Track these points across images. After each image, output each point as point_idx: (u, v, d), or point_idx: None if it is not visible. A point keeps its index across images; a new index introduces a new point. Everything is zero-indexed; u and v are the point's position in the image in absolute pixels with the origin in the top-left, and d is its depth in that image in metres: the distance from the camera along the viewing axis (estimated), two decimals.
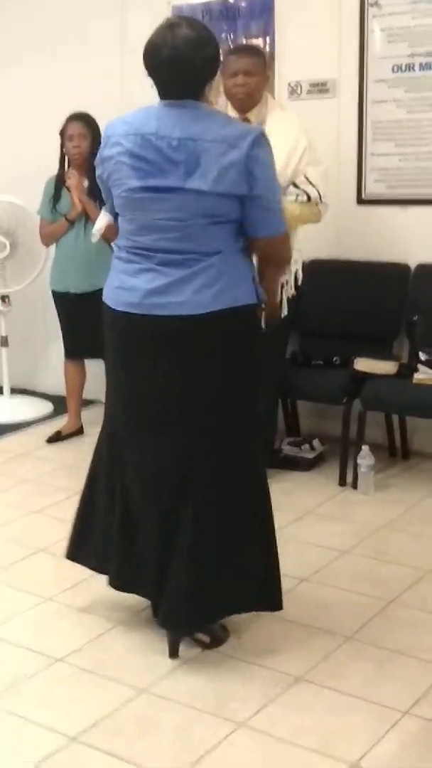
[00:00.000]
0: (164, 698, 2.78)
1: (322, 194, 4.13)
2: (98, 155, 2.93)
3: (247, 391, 2.93)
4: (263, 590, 3.00)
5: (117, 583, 3.11)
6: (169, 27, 2.75)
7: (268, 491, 3.03)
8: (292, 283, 4.22)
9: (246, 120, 4.15)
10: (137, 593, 3.12)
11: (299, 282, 4.27)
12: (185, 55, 2.71)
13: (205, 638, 3.05)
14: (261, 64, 4.18)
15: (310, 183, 4.11)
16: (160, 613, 2.99)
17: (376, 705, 2.72)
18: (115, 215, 2.97)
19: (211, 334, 2.80)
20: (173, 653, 3.00)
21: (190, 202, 2.72)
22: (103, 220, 3.10)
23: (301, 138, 4.11)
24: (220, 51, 2.88)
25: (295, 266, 4.23)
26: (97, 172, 2.98)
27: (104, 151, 2.89)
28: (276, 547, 3.03)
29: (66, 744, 2.59)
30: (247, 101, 4.11)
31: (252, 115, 4.15)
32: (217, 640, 3.05)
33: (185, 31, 2.73)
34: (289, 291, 4.23)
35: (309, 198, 4.11)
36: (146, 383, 2.89)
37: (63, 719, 2.69)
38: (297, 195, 4.10)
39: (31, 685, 2.88)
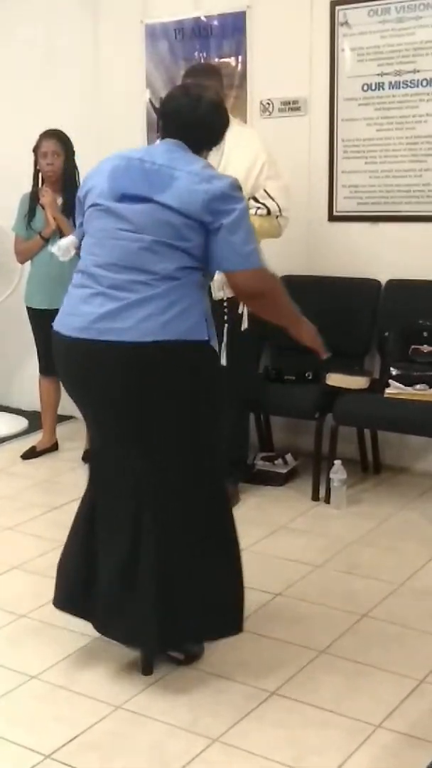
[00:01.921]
0: (139, 714, 2.80)
1: (282, 207, 4.17)
2: (84, 178, 3.06)
3: (195, 425, 2.87)
4: (226, 614, 3.01)
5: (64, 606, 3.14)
6: (195, 90, 3.05)
7: (231, 516, 3.02)
8: None
9: None
10: (88, 619, 3.10)
11: None
12: (200, 121, 2.94)
13: (179, 656, 3.06)
14: (218, 85, 4.23)
15: (270, 196, 4.15)
16: (125, 631, 2.98)
17: (349, 719, 2.74)
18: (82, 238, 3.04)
19: (156, 363, 2.75)
20: (146, 671, 3.01)
21: (154, 214, 2.78)
22: (68, 239, 3.15)
23: (260, 153, 4.15)
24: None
25: None
26: (79, 192, 3.07)
27: (88, 175, 3.03)
28: (241, 570, 3.03)
29: (40, 761, 2.59)
30: None
31: None
32: (191, 656, 3.07)
33: (208, 102, 2.97)
34: None
35: (268, 211, 4.15)
36: (98, 408, 2.91)
37: (37, 736, 2.70)
38: (256, 209, 4.14)
39: (6, 702, 2.88)
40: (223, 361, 4.22)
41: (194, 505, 2.92)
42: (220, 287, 4.17)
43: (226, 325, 4.20)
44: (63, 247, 3.23)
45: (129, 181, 2.85)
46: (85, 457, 4.88)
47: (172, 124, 2.95)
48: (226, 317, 4.19)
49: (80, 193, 3.04)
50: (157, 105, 3.93)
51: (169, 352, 2.75)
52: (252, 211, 4.11)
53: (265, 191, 4.14)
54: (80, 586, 3.06)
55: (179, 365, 2.78)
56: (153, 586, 2.87)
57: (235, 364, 4.24)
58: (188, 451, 2.88)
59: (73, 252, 3.22)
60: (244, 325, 4.24)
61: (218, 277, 4.05)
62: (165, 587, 2.88)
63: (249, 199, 4.12)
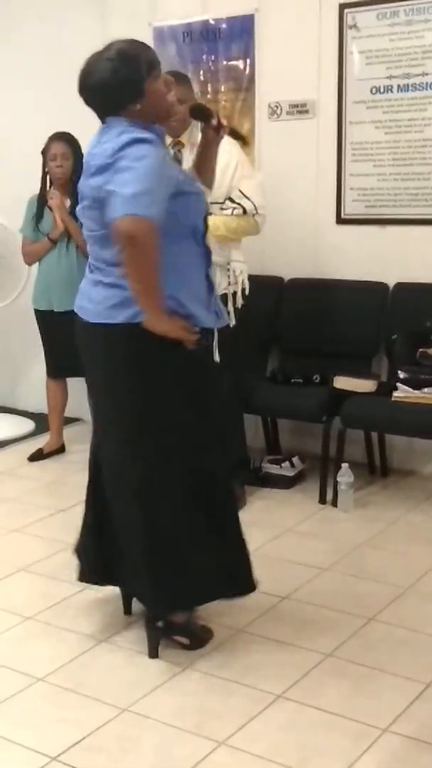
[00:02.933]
0: (145, 717, 2.79)
1: (257, 206, 4.19)
2: None
3: (134, 406, 2.96)
4: (232, 575, 3.10)
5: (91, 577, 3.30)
6: (93, 55, 2.92)
7: (222, 493, 3.11)
8: (240, 293, 4.27)
9: (179, 143, 4.20)
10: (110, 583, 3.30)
11: (246, 292, 4.31)
12: (97, 82, 2.89)
13: (184, 640, 3.10)
14: (189, 90, 4.23)
15: (245, 196, 4.17)
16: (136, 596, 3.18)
17: (356, 722, 2.74)
18: None
19: (104, 343, 2.93)
20: (153, 653, 3.06)
21: (90, 211, 2.91)
22: None
23: (233, 153, 4.15)
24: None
25: (241, 277, 4.28)
26: None
27: None
28: (242, 532, 3.12)
29: (47, 764, 2.59)
30: (181, 129, 4.15)
31: (184, 138, 4.20)
32: (198, 640, 3.11)
33: (104, 56, 2.88)
34: (238, 302, 4.28)
35: (244, 211, 4.17)
36: (89, 385, 3.15)
37: (44, 739, 2.70)
38: (233, 209, 4.15)
39: (12, 704, 2.88)
40: (217, 358, 4.22)
41: (175, 492, 2.99)
42: None
43: None
44: None
45: (84, 187, 2.95)
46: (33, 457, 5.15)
47: (89, 103, 2.96)
48: None
49: None
50: None
51: (115, 334, 2.89)
52: (228, 212, 4.16)
53: (240, 191, 4.17)
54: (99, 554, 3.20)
55: (122, 347, 2.91)
56: (145, 552, 3.01)
57: (222, 364, 4.23)
58: (158, 437, 2.97)
59: None
60: (232, 322, 4.24)
61: None
62: (158, 553, 3.01)
63: (225, 200, 4.15)
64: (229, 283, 4.24)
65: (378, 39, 4.59)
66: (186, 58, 5.10)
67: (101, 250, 2.93)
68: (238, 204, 4.16)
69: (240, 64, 4.95)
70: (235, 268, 4.25)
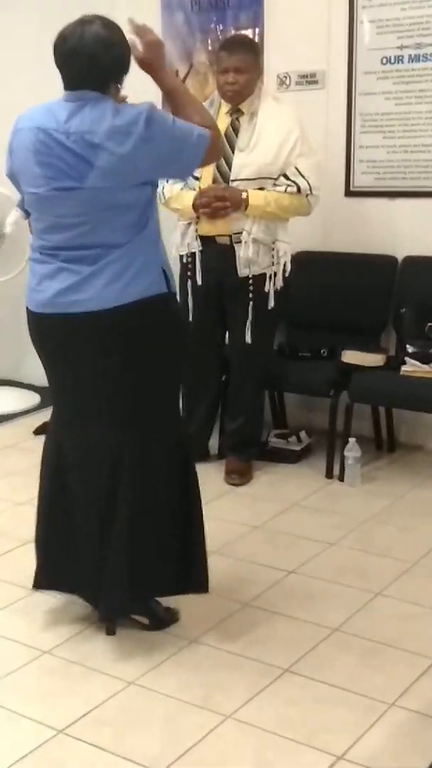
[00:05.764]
0: (151, 690, 2.79)
1: (312, 186, 4.12)
2: (7, 148, 2.95)
3: (165, 381, 2.96)
4: (190, 573, 3.05)
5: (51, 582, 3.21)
6: (80, 23, 2.85)
7: (195, 474, 3.08)
8: (280, 275, 4.23)
9: (238, 111, 4.15)
10: (74, 593, 3.18)
11: (287, 274, 4.27)
12: (91, 50, 2.78)
13: (143, 619, 3.09)
14: (253, 59, 4.16)
15: (301, 174, 4.10)
16: (100, 606, 3.05)
17: (363, 697, 2.73)
18: (27, 212, 3.00)
19: (121, 327, 2.82)
20: (110, 631, 3.07)
21: (92, 197, 2.76)
22: (14, 214, 3.12)
23: (293, 129, 4.10)
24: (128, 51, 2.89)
25: (284, 258, 4.23)
26: (5, 169, 2.98)
27: (12, 144, 2.93)
28: (203, 530, 3.07)
29: (53, 736, 2.59)
30: (237, 98, 4.11)
31: (244, 107, 4.15)
32: (158, 621, 3.08)
33: (96, 28, 2.81)
34: (278, 283, 4.24)
35: (299, 189, 4.10)
36: (69, 379, 2.96)
37: (50, 712, 2.70)
38: (287, 186, 4.09)
39: (19, 677, 2.88)
40: (248, 339, 4.21)
41: (162, 470, 2.96)
42: (245, 264, 4.14)
43: (251, 302, 4.17)
44: (11, 224, 3.18)
45: (56, 170, 2.77)
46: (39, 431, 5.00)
47: (75, 70, 2.82)
48: (251, 295, 4.17)
49: (7, 171, 2.98)
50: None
51: (133, 313, 2.82)
52: (282, 189, 4.08)
53: (296, 169, 4.09)
54: (62, 563, 3.12)
55: (144, 324, 2.84)
56: (124, 554, 2.93)
57: (257, 342, 4.22)
58: (155, 414, 2.94)
59: (18, 225, 3.16)
60: (271, 303, 4.22)
61: (243, 254, 4.07)
62: (136, 553, 2.94)
63: (279, 176, 4.08)
64: (273, 263, 4.19)
65: (389, 8, 4.51)
66: (194, 27, 5.04)
67: (104, 234, 2.81)
68: (293, 182, 4.09)
69: (249, 33, 4.87)
70: (280, 248, 4.19)
